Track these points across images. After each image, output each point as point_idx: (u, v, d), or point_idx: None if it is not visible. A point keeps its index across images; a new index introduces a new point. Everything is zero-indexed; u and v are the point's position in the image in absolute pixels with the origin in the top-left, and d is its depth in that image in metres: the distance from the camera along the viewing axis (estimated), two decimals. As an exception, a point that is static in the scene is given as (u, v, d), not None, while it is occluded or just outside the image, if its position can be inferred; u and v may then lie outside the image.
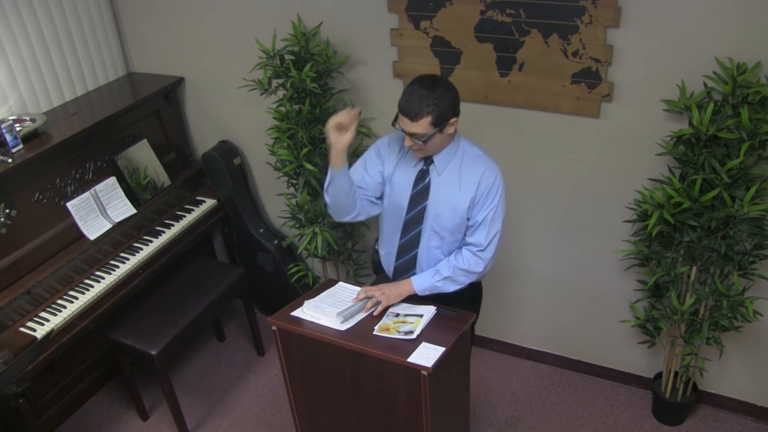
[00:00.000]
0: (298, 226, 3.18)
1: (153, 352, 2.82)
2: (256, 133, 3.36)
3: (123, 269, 3.00)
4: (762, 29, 2.24)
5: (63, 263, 2.86)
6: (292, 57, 2.90)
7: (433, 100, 2.03)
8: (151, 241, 3.18)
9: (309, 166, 2.94)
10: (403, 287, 2.30)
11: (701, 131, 2.30)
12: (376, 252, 2.56)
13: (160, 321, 2.95)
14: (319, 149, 3.02)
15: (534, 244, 3.04)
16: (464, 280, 2.28)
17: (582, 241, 2.93)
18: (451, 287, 2.29)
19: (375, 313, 2.23)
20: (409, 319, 2.20)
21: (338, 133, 2.13)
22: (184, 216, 3.38)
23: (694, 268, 2.58)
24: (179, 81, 3.48)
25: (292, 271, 3.46)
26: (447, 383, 2.21)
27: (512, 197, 2.88)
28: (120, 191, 3.15)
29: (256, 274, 3.64)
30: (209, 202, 3.50)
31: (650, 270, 2.66)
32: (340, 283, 2.42)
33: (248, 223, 3.56)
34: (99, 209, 3.07)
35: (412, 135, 2.10)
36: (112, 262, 3.04)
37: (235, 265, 3.71)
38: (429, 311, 2.22)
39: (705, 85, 2.36)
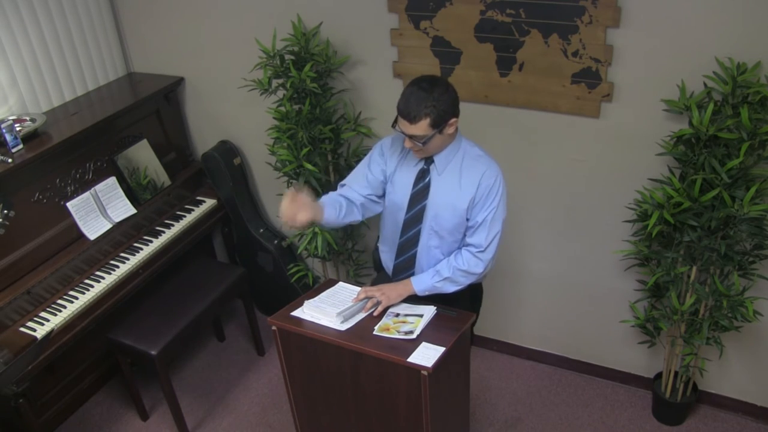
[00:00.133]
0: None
1: (153, 352, 2.82)
2: (256, 133, 3.36)
3: (123, 269, 3.01)
4: (762, 29, 2.24)
5: (63, 263, 2.86)
6: (292, 57, 2.90)
7: (432, 102, 2.03)
8: (151, 241, 3.18)
9: (309, 166, 2.94)
10: (402, 288, 2.30)
11: (701, 131, 2.30)
12: (377, 249, 2.57)
13: (160, 321, 2.95)
14: (319, 149, 3.02)
15: (534, 244, 3.04)
16: (464, 281, 2.28)
17: (582, 241, 2.93)
18: (451, 288, 2.29)
19: (375, 314, 2.23)
20: (409, 319, 2.20)
21: (295, 213, 2.12)
22: (184, 216, 3.38)
23: (694, 268, 2.58)
24: (179, 81, 3.48)
25: (292, 271, 3.46)
26: (447, 383, 2.21)
27: (512, 197, 2.87)
28: (120, 191, 3.15)
29: (256, 274, 3.64)
30: (209, 202, 3.50)
31: (650, 270, 2.66)
32: (340, 283, 2.42)
33: (248, 223, 3.56)
34: (99, 209, 3.07)
35: (411, 137, 2.10)
36: (112, 262, 3.04)
37: (235, 265, 3.71)
38: (429, 311, 2.22)
39: (705, 85, 2.36)
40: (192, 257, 3.39)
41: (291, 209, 2.12)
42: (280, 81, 2.95)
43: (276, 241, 3.55)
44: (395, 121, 2.13)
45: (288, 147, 2.98)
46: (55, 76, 3.19)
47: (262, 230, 3.57)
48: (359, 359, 2.13)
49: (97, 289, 2.89)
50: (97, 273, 2.97)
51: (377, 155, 2.34)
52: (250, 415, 3.19)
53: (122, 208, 3.14)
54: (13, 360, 2.51)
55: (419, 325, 2.15)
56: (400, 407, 2.16)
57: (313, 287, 2.86)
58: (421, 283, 2.29)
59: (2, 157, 2.69)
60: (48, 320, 2.71)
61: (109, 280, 2.94)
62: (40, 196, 2.88)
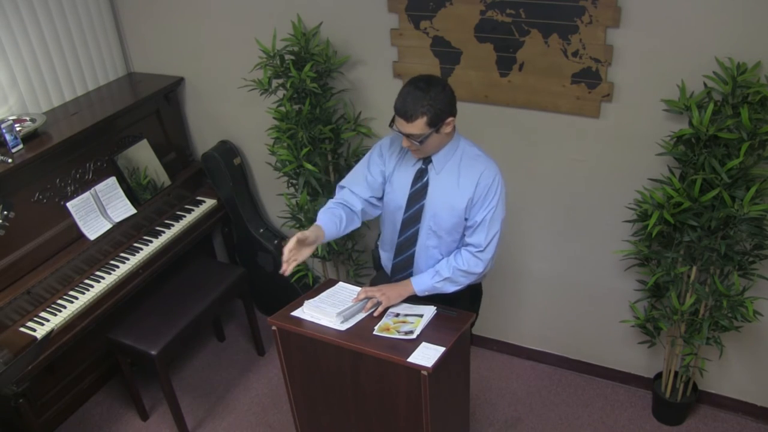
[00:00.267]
0: (298, 226, 3.18)
1: (153, 352, 2.82)
2: (256, 133, 3.36)
3: (123, 269, 3.01)
4: (762, 29, 2.24)
5: (63, 263, 2.86)
6: (292, 57, 2.90)
7: (428, 101, 2.03)
8: (151, 241, 3.18)
9: (309, 166, 2.94)
10: (402, 288, 2.30)
11: (701, 131, 2.30)
12: (377, 248, 2.57)
13: (160, 321, 2.95)
14: (319, 149, 3.02)
15: (534, 244, 3.04)
16: (464, 281, 2.28)
17: (582, 241, 2.93)
18: (451, 288, 2.29)
19: (375, 314, 2.23)
20: (409, 319, 2.20)
21: (299, 249, 2.15)
22: (184, 216, 3.38)
23: (694, 268, 2.58)
24: (179, 81, 3.48)
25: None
26: (447, 383, 2.21)
27: (512, 197, 2.88)
28: (120, 191, 3.15)
29: (256, 274, 3.64)
30: (209, 202, 3.51)
31: (650, 270, 2.66)
32: (340, 283, 2.42)
33: (248, 223, 3.56)
34: (99, 209, 3.07)
35: (408, 136, 2.10)
36: (112, 262, 3.04)
37: (235, 265, 3.71)
38: (429, 311, 2.22)
39: (705, 85, 2.36)
40: (192, 257, 3.39)
41: (295, 252, 2.13)
42: (280, 81, 2.95)
43: (276, 241, 3.55)
44: (392, 121, 2.13)
45: (288, 147, 2.98)
46: (55, 76, 3.19)
47: (262, 230, 3.57)
48: (359, 359, 2.13)
49: (97, 289, 2.89)
50: (97, 273, 2.97)
51: (376, 156, 2.33)
52: (250, 415, 3.19)
53: (122, 208, 3.14)
54: (13, 360, 2.51)
55: (419, 325, 2.15)
56: (400, 407, 2.16)
57: (313, 287, 2.86)
58: (421, 283, 2.29)
59: (2, 157, 2.69)
60: (48, 320, 2.71)
61: (109, 280, 2.94)
62: (40, 196, 2.88)
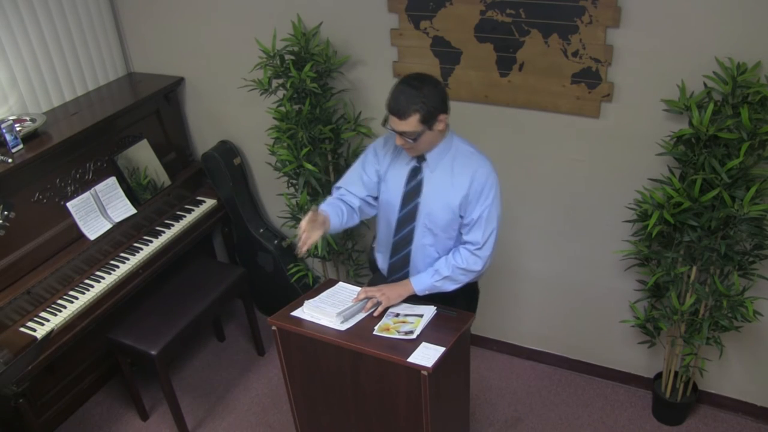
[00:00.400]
0: (298, 225, 3.17)
1: (153, 352, 2.82)
2: (256, 133, 3.36)
3: (123, 269, 3.01)
4: (762, 29, 2.24)
5: (63, 263, 2.86)
6: (292, 57, 2.90)
7: (421, 98, 2.04)
8: (151, 241, 3.18)
9: (309, 166, 2.94)
10: (402, 288, 2.30)
11: (701, 131, 2.30)
12: (373, 251, 2.57)
13: (160, 321, 2.95)
14: (319, 149, 3.02)
15: (534, 244, 3.04)
16: (463, 279, 2.29)
17: (582, 241, 2.93)
18: (451, 286, 2.29)
19: (375, 314, 2.23)
20: (409, 319, 2.20)
21: (312, 229, 2.17)
22: (184, 216, 3.38)
23: (694, 268, 2.58)
24: (179, 81, 3.48)
25: (292, 271, 3.46)
26: (447, 383, 2.21)
27: (512, 197, 2.89)
28: (120, 191, 3.15)
29: (256, 274, 3.64)
30: (209, 202, 3.51)
31: (650, 270, 2.66)
32: (340, 283, 2.42)
33: (248, 223, 3.56)
34: (99, 209, 3.07)
35: (402, 133, 2.10)
36: (112, 262, 3.04)
37: (235, 265, 3.71)
38: (429, 311, 2.22)
39: (705, 85, 2.36)
40: (192, 257, 3.39)
41: (309, 229, 2.15)
42: (280, 81, 2.95)
43: (276, 241, 3.55)
44: (385, 120, 2.14)
45: (288, 147, 2.98)
46: (55, 76, 3.19)
47: (262, 230, 3.57)
48: (359, 359, 2.13)
49: (97, 289, 2.89)
50: (97, 273, 2.97)
51: (371, 156, 2.34)
52: (250, 415, 3.19)
53: (122, 208, 3.14)
54: (13, 360, 2.51)
55: (419, 325, 2.15)
56: (400, 407, 2.16)
57: (313, 287, 2.86)
58: (421, 282, 2.29)
59: (2, 157, 2.69)
60: (48, 320, 2.71)
61: (109, 280, 2.94)
62: (40, 196, 2.88)
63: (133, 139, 3.30)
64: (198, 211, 3.43)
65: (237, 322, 3.77)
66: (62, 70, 3.22)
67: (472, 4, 2.61)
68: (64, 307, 2.78)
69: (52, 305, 2.79)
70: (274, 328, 2.27)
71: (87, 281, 2.92)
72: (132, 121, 3.31)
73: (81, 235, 2.98)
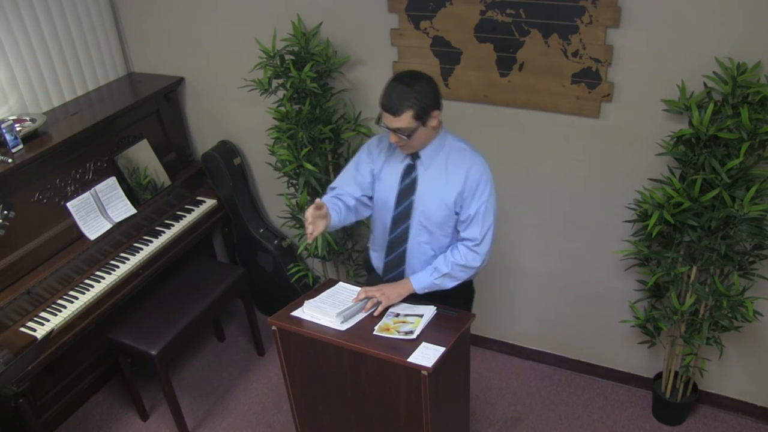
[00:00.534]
0: (298, 226, 3.18)
1: (153, 352, 2.82)
2: (256, 133, 3.36)
3: (123, 269, 3.01)
4: (762, 29, 2.24)
5: (63, 263, 2.86)
6: (292, 57, 2.90)
7: (414, 95, 2.05)
8: (151, 241, 3.18)
9: (309, 166, 2.94)
10: (402, 287, 2.30)
11: (701, 131, 2.30)
12: (368, 250, 2.57)
13: (160, 321, 2.95)
14: (319, 149, 3.02)
15: (534, 244, 3.04)
16: (463, 276, 2.29)
17: (582, 241, 2.93)
18: (450, 284, 2.29)
19: (375, 314, 2.24)
20: (409, 319, 2.20)
21: (317, 221, 2.17)
22: (184, 216, 3.38)
23: (694, 268, 2.58)
24: (179, 81, 3.48)
25: (292, 271, 3.46)
26: (447, 383, 2.21)
27: (512, 197, 2.89)
28: (120, 191, 3.15)
29: (256, 274, 3.64)
30: (209, 202, 3.51)
31: (650, 270, 2.66)
32: (340, 283, 2.42)
33: (248, 223, 3.56)
34: (99, 209, 3.07)
35: (396, 130, 2.11)
36: (112, 262, 3.04)
37: (235, 265, 3.71)
38: (429, 311, 2.22)
39: (705, 85, 2.36)
40: (192, 257, 3.39)
41: (314, 219, 2.15)
42: (280, 81, 2.95)
43: (276, 241, 3.55)
44: (379, 118, 2.14)
45: (288, 147, 2.98)
46: (55, 76, 3.19)
47: (262, 230, 3.57)
48: (359, 359, 2.13)
49: (97, 289, 2.89)
50: (97, 273, 2.97)
51: (365, 155, 2.35)
52: (250, 415, 3.19)
53: (122, 208, 3.14)
54: (13, 360, 2.51)
55: (419, 325, 2.15)
56: (400, 407, 2.16)
57: (313, 287, 2.86)
58: (420, 281, 2.29)
59: (2, 157, 2.70)
60: (48, 320, 2.71)
61: (109, 280, 2.94)
62: (40, 196, 2.88)
63: (133, 139, 3.30)
64: (198, 211, 3.43)
65: (237, 322, 3.77)
66: (62, 70, 3.22)
67: (472, 4, 2.61)
68: (64, 307, 2.78)
69: (52, 305, 2.79)
70: (274, 328, 2.27)
71: (87, 281, 2.92)
72: (132, 121, 3.31)
73: (81, 235, 2.98)
